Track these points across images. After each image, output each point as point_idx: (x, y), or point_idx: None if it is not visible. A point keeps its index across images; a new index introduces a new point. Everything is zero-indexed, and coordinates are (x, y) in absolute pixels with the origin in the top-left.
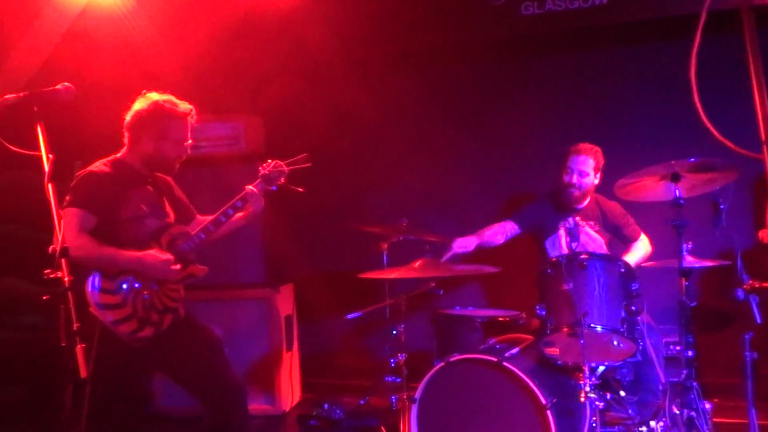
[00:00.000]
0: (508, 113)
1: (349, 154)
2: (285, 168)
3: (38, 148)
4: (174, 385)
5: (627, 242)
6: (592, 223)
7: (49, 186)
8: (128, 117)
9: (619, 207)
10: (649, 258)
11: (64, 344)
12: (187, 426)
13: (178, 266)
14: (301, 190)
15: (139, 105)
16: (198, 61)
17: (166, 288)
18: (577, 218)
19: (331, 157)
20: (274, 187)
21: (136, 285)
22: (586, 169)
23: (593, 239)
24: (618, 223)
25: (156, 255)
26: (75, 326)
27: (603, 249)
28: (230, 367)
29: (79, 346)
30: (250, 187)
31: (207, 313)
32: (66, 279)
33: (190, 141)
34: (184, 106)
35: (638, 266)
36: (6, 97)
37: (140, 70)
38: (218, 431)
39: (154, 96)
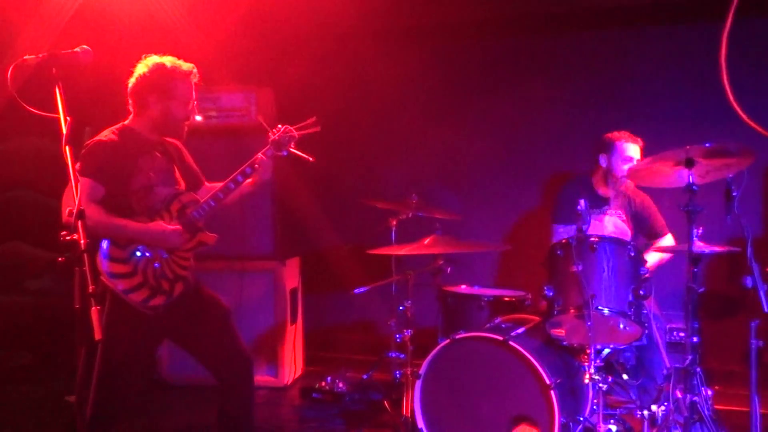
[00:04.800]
0: (525, 91)
1: (361, 129)
2: (295, 133)
3: (55, 111)
4: (180, 353)
5: (650, 238)
6: (620, 212)
7: (67, 148)
8: (131, 82)
9: (648, 199)
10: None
11: (78, 306)
12: (191, 394)
13: (185, 236)
14: (311, 159)
15: (141, 69)
16: (214, 32)
17: (177, 256)
18: (605, 206)
19: (343, 131)
20: (284, 153)
21: (147, 254)
22: (638, 156)
23: (619, 229)
24: (644, 214)
25: (163, 225)
26: (90, 289)
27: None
28: (238, 336)
29: (94, 308)
30: (260, 154)
31: (214, 283)
32: (82, 242)
33: (195, 102)
34: (186, 65)
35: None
36: (26, 57)
37: (156, 39)
38: (225, 399)
39: (155, 58)
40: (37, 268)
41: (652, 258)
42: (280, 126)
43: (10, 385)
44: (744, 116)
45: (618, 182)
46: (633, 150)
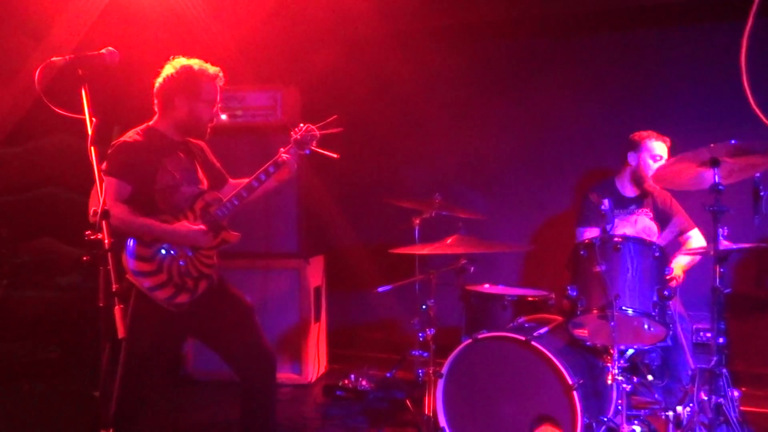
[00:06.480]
0: (549, 90)
1: (386, 128)
2: (317, 132)
3: (82, 112)
4: (204, 349)
5: (678, 234)
6: (647, 210)
7: (92, 149)
8: (158, 83)
9: (670, 196)
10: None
11: (102, 305)
12: (216, 390)
13: (209, 235)
14: (335, 155)
15: (169, 70)
16: (240, 31)
17: (201, 254)
18: (633, 206)
19: (367, 130)
20: (307, 151)
21: (172, 252)
22: (666, 155)
23: (647, 227)
24: (669, 211)
25: (188, 225)
26: (114, 287)
27: (655, 238)
28: (261, 333)
29: (117, 306)
30: (283, 151)
31: (239, 281)
32: (106, 241)
33: (219, 104)
34: (212, 68)
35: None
36: (53, 59)
37: (182, 39)
38: (247, 396)
39: (183, 60)
40: (67, 264)
41: (683, 261)
42: (302, 125)
43: (38, 378)
44: (764, 118)
45: (647, 180)
46: (661, 148)
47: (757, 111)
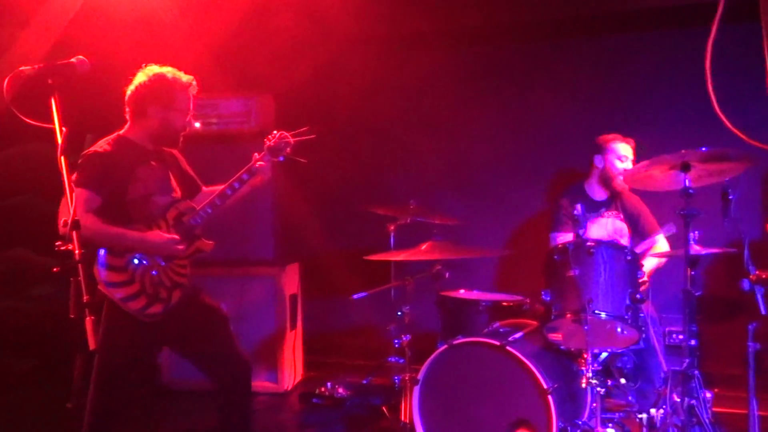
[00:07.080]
0: (523, 96)
1: (363, 134)
2: (290, 139)
3: (52, 121)
4: (181, 359)
5: (644, 237)
6: (616, 212)
7: (62, 159)
8: (130, 91)
9: (639, 200)
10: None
11: (73, 316)
12: (192, 400)
13: (182, 245)
14: (303, 160)
15: (141, 78)
16: (215, 38)
17: (174, 264)
18: (602, 209)
19: (344, 137)
20: (281, 158)
21: (144, 262)
22: (631, 155)
23: (618, 229)
24: (636, 214)
25: (160, 234)
26: (85, 299)
27: (625, 239)
28: (236, 342)
29: (88, 318)
30: (257, 158)
31: (215, 289)
32: (77, 252)
33: (192, 113)
34: (186, 76)
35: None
36: (22, 69)
37: (155, 45)
38: (223, 405)
39: (156, 68)
40: (40, 274)
41: (650, 263)
42: (276, 132)
43: (13, 390)
44: (728, 123)
45: (614, 180)
46: (625, 149)
47: (721, 115)
